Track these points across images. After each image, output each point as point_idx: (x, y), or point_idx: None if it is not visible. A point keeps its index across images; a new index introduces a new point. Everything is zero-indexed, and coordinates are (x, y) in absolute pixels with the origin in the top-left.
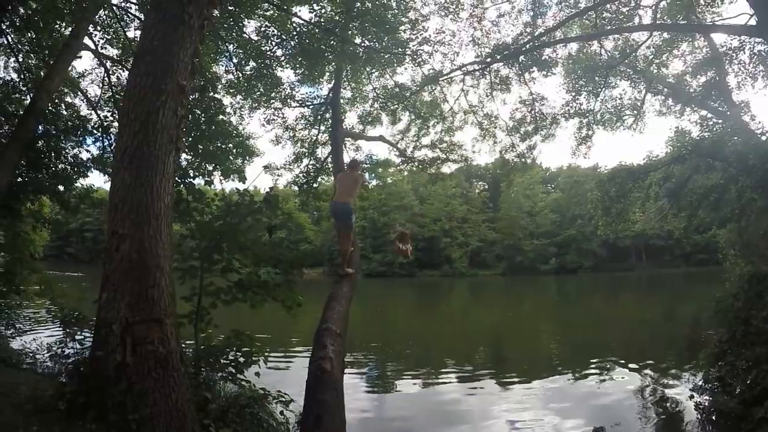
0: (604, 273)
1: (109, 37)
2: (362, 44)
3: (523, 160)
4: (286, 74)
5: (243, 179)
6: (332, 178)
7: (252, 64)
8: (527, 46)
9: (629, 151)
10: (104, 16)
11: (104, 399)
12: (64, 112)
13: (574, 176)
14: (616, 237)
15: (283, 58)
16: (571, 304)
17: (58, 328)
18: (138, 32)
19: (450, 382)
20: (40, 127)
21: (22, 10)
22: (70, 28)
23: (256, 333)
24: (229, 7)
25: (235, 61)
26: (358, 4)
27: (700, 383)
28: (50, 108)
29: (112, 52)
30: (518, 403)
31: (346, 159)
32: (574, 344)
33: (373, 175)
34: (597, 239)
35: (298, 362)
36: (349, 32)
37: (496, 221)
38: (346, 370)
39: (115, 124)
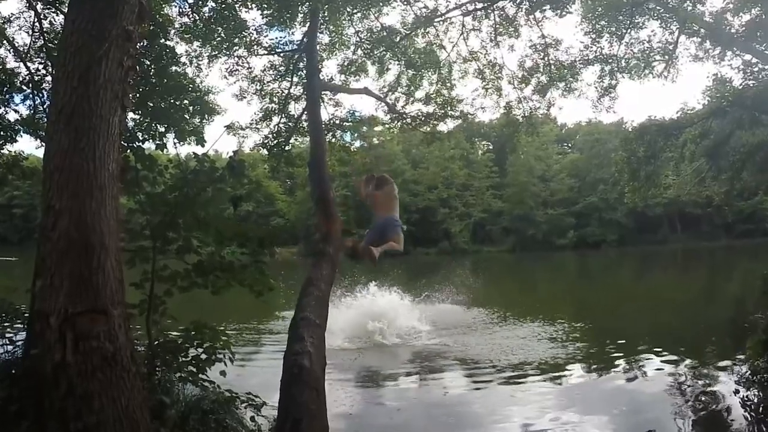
0: (632, 247)
1: None
2: None
3: (534, 116)
4: (252, 16)
5: (201, 142)
6: (308, 138)
7: (211, 4)
8: None
9: (659, 103)
10: None
11: (41, 405)
12: None
13: (595, 134)
14: (645, 205)
15: None
16: (593, 284)
17: None
18: None
19: (451, 379)
20: None
21: None
22: None
23: (221, 325)
24: None
25: (190, 0)
26: None
27: (747, 375)
28: None
29: None
30: (532, 402)
31: (325, 115)
32: (597, 332)
33: (356, 134)
34: (623, 208)
35: (271, 358)
36: None
37: (503, 188)
38: (328, 367)
39: (49, 78)
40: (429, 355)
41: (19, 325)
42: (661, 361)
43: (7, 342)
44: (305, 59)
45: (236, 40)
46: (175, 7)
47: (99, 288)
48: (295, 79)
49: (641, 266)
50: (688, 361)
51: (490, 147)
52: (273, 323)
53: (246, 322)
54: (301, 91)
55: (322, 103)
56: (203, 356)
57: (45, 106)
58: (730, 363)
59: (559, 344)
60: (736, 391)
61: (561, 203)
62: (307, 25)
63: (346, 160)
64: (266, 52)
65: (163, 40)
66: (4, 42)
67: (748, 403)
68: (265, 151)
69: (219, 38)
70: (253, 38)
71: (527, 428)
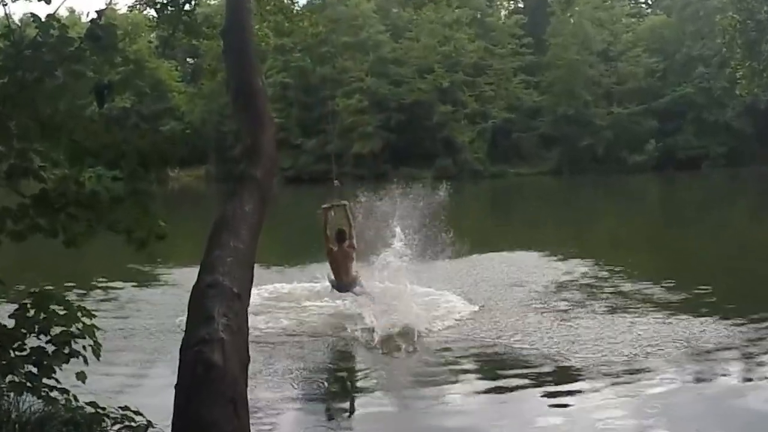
0: (750, 167)
1: None
2: None
3: None
4: None
5: None
6: None
7: None
8: None
9: None
10: None
11: None
12: None
13: None
14: None
15: None
16: (687, 229)
17: None
18: None
19: (454, 385)
20: None
21: None
22: None
23: (79, 296)
24: None
25: None
26: None
27: None
28: None
29: None
30: (590, 421)
31: None
32: (694, 306)
33: None
34: (735, 103)
35: (162, 349)
36: None
37: (542, 72)
38: (253, 362)
39: None
40: (427, 343)
41: None
42: None
43: None
44: None
45: None
46: None
47: None
48: None
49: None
50: None
51: (520, 5)
52: (163, 292)
53: (119, 290)
54: None
55: None
56: (50, 349)
57: None
58: None
59: (635, 325)
60: None
61: (635, 96)
62: None
63: (286, 28)
64: None
65: None
66: None
67: None
68: (152, 13)
69: None
70: None
71: None
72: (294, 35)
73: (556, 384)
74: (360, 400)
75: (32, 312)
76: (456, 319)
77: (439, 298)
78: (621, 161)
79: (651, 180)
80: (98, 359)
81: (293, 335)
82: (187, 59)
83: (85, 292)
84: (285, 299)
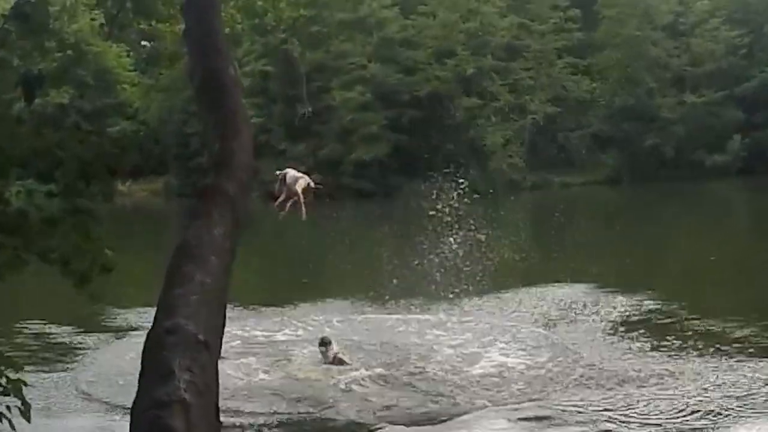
0: None
1: None
2: None
3: None
4: None
5: None
6: None
7: None
8: None
9: None
10: None
11: None
12: None
13: None
14: None
15: None
16: None
17: None
18: None
19: None
20: None
21: None
22: None
23: (7, 344)
24: None
25: None
26: None
27: None
28: None
29: None
30: None
31: None
32: None
33: None
34: None
35: (111, 411)
36: None
37: (592, 53)
38: (225, 430)
39: None
40: (456, 409)
41: None
42: None
43: None
44: None
45: None
46: None
47: None
48: None
49: None
50: None
51: None
52: (111, 340)
53: (56, 336)
54: None
55: None
56: None
57: None
58: None
59: (719, 373)
60: None
61: (713, 80)
62: None
63: (259, 8)
64: None
65: None
66: None
67: None
68: None
69: None
70: None
71: None
72: (279, 16)
73: None
74: None
75: None
76: (494, 372)
77: (474, 345)
78: (697, 164)
79: (736, 187)
80: (28, 422)
81: (275, 397)
82: (142, 42)
83: (11, 339)
84: (265, 349)
